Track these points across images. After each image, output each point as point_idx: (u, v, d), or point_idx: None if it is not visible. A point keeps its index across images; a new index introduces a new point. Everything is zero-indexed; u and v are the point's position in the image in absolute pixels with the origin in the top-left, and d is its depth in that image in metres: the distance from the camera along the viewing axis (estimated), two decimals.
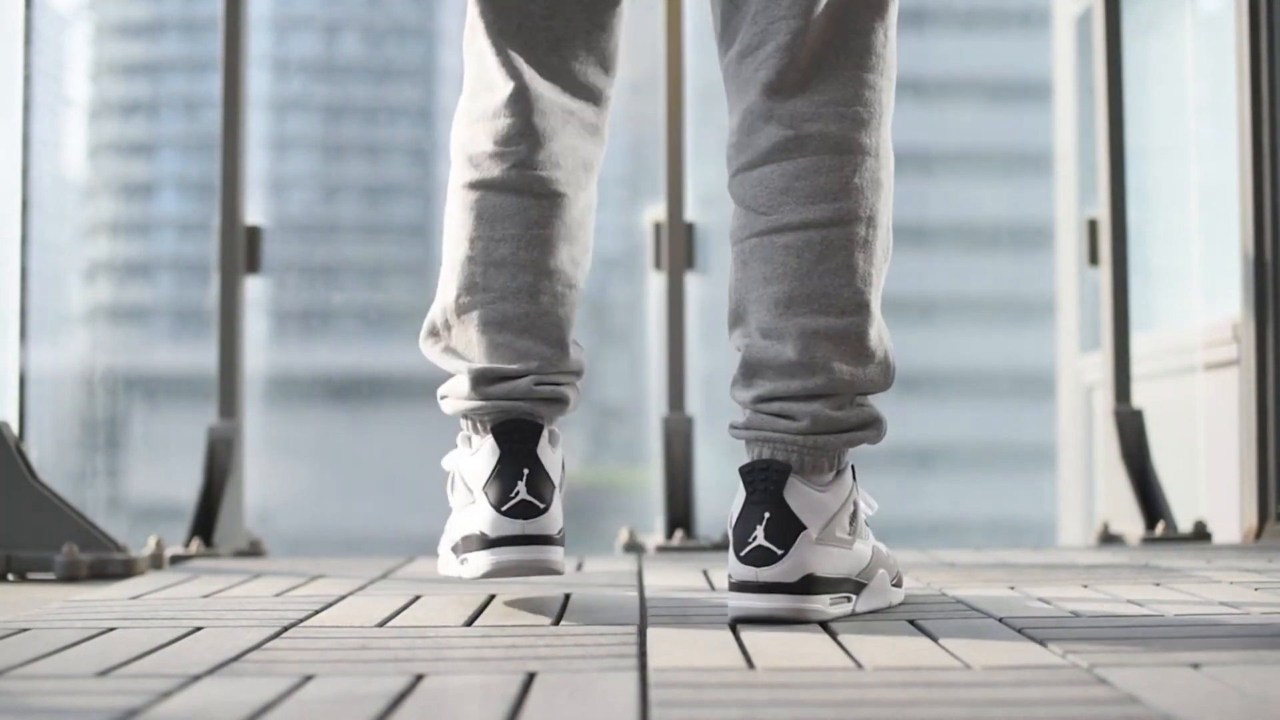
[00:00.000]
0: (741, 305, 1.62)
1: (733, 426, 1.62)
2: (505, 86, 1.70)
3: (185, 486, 2.84)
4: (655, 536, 2.87)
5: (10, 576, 2.25)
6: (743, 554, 1.50)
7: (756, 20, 1.61)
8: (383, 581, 2.00)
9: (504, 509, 1.57)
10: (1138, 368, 3.11)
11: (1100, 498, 3.27)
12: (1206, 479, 3.21)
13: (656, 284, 3.14)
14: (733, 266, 1.64)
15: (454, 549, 1.67)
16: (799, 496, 1.51)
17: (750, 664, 1.24)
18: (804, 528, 1.50)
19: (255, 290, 3.11)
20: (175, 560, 2.47)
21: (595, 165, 1.76)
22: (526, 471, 1.58)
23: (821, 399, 1.56)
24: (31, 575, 2.26)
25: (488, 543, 1.57)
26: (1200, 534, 2.77)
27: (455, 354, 1.70)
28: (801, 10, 1.59)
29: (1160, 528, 2.79)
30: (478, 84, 1.74)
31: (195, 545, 2.65)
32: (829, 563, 1.52)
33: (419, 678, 1.19)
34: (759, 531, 1.50)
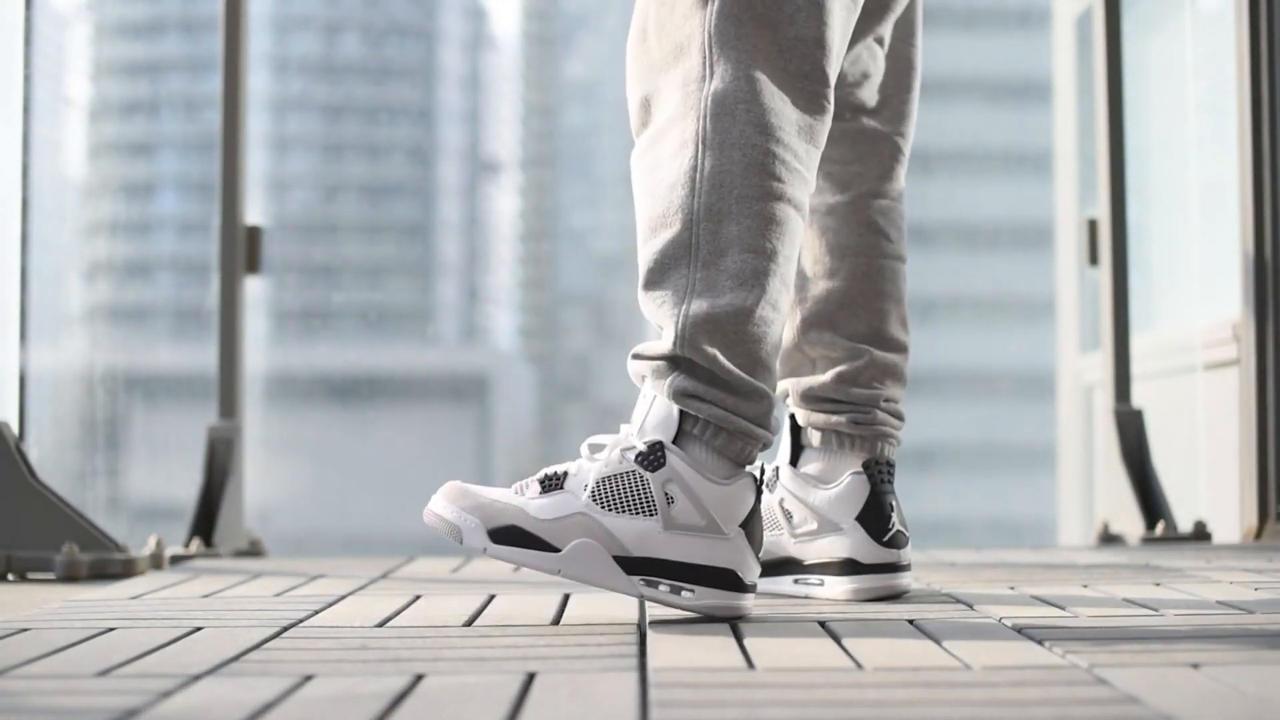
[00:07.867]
0: (858, 306, 1.78)
1: (855, 421, 1.76)
2: (831, 91, 1.58)
3: (185, 486, 2.84)
4: None
5: (10, 576, 2.25)
6: (886, 539, 1.71)
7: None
8: (383, 581, 2.00)
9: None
10: (1138, 368, 3.11)
11: (1100, 498, 3.27)
12: (1206, 479, 3.21)
13: None
14: (845, 270, 1.78)
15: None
16: None
17: (750, 664, 1.24)
18: None
19: (255, 290, 3.10)
20: (175, 560, 2.46)
21: None
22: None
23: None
24: (31, 575, 2.26)
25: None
26: (1200, 534, 2.77)
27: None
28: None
29: (1160, 528, 2.78)
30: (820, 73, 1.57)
31: (195, 545, 2.64)
32: None
33: (419, 678, 1.19)
34: (894, 518, 1.72)
